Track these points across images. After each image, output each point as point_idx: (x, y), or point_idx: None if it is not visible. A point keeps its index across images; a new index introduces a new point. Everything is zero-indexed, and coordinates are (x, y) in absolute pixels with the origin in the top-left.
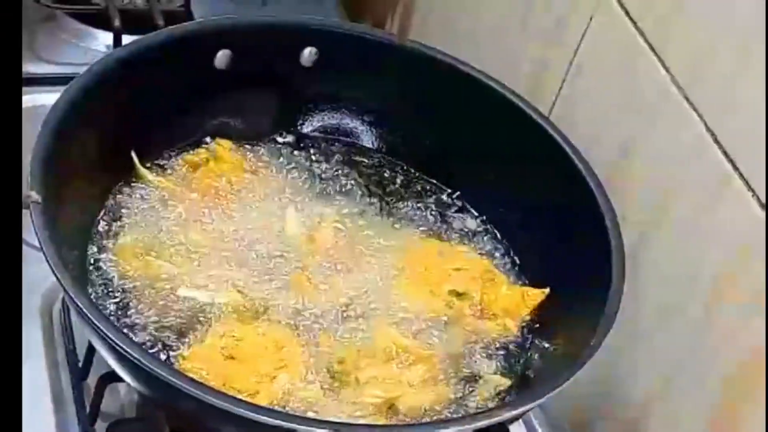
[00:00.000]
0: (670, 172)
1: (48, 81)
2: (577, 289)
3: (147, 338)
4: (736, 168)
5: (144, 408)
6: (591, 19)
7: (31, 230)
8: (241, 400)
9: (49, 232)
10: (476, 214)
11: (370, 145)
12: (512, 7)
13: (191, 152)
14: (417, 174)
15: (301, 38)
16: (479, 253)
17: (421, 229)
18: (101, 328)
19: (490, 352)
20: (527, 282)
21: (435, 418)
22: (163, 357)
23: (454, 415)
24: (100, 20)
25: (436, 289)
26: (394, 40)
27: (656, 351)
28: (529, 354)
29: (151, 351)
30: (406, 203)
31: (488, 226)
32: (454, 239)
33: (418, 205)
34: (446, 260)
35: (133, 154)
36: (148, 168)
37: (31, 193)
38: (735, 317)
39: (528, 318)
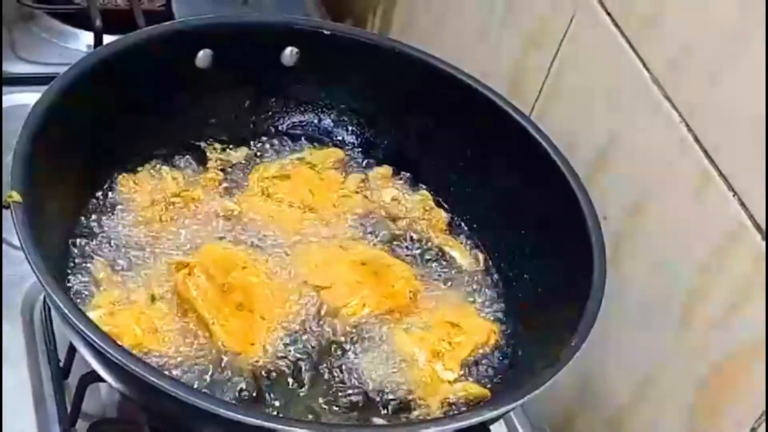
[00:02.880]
0: (651, 171)
1: (29, 81)
2: (559, 289)
3: None
4: (716, 167)
5: (125, 408)
6: (572, 19)
7: (12, 230)
8: (222, 401)
9: (31, 232)
10: (456, 215)
11: (350, 145)
12: (493, 7)
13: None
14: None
15: (282, 38)
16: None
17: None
18: (83, 329)
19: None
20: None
21: None
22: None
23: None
24: (81, 20)
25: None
26: (376, 40)
27: (637, 351)
28: (510, 354)
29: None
30: None
31: (469, 226)
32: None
33: None
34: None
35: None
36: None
37: (12, 193)
38: (714, 317)
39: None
